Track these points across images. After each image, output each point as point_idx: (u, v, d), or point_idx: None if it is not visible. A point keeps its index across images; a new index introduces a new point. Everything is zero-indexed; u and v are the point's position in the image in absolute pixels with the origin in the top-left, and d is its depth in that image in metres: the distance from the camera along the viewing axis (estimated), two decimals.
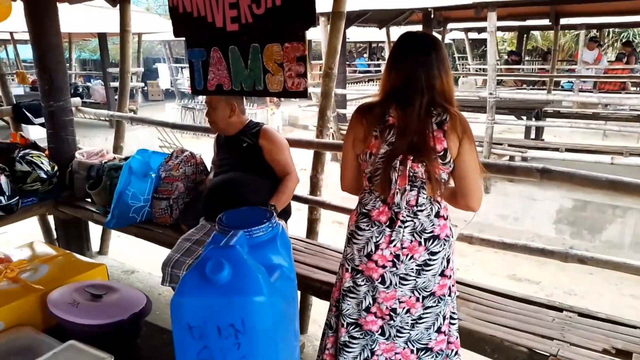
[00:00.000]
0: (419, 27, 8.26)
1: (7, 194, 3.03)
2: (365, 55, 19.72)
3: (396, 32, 8.81)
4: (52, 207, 3.42)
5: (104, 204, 3.10)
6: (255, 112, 10.57)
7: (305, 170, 3.28)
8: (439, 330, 1.56)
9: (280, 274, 0.87)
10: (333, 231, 4.55)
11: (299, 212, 2.89)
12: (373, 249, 1.51)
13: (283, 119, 11.39)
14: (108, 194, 3.04)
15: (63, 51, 3.39)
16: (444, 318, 1.57)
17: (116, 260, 3.83)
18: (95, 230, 3.81)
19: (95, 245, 3.91)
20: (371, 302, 1.54)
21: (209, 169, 2.94)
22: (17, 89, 8.82)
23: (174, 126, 4.16)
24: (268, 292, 0.76)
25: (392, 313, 1.52)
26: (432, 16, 7.50)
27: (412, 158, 1.46)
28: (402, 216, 1.49)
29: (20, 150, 3.27)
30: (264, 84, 2.24)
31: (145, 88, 15.36)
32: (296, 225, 3.01)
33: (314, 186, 2.93)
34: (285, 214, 2.54)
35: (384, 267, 1.51)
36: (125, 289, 1.28)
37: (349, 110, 7.99)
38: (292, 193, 2.51)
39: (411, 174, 1.48)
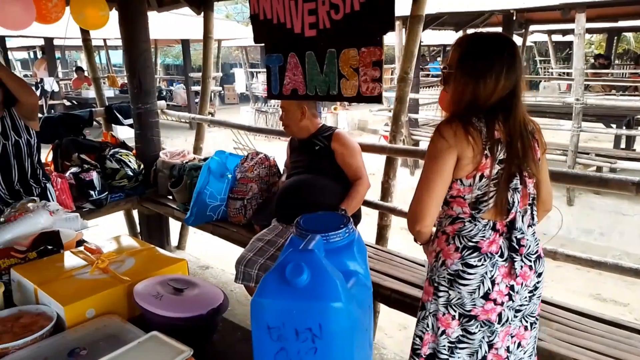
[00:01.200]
0: (498, 30, 7.93)
1: (97, 189, 3.28)
2: (438, 58, 19.27)
3: None
4: (137, 203, 3.66)
5: (184, 201, 3.27)
6: (325, 116, 10.67)
7: (374, 175, 3.26)
8: (533, 354, 1.46)
9: (357, 280, 0.86)
10: (401, 238, 4.47)
11: (367, 217, 2.87)
12: (490, 287, 1.32)
13: (353, 123, 11.39)
14: (188, 192, 3.19)
15: (151, 56, 3.62)
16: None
17: (192, 255, 4.02)
18: (174, 226, 4.03)
19: (174, 240, 4.13)
20: (487, 349, 1.37)
21: (281, 171, 3.01)
22: (107, 92, 9.56)
23: (249, 129, 4.30)
24: (345, 299, 0.76)
25: (507, 353, 1.39)
26: (514, 18, 7.17)
27: (526, 175, 1.32)
28: (525, 241, 1.33)
29: (110, 148, 3.53)
30: (339, 88, 2.26)
31: (222, 92, 16.04)
32: (365, 230, 2.99)
33: (385, 192, 2.90)
34: (355, 218, 2.53)
35: (502, 304, 1.34)
36: (204, 284, 1.33)
37: (421, 115, 7.85)
38: (363, 198, 2.50)
39: (529, 192, 1.35)
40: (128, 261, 1.50)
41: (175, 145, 6.38)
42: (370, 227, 3.06)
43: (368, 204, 2.83)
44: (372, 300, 0.94)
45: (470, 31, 8.71)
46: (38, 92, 9.45)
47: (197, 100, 10.82)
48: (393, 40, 6.59)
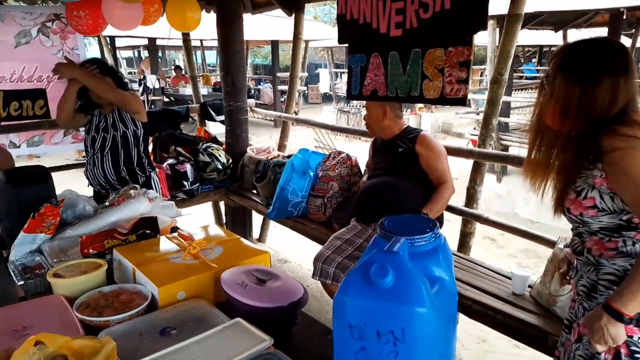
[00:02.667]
0: (603, 30, 7.30)
1: (190, 180, 3.50)
2: (534, 60, 18.15)
3: (575, 35, 7.92)
4: (224, 195, 3.85)
5: (267, 196, 3.38)
6: (407, 117, 10.50)
7: (457, 179, 3.14)
8: None
9: (442, 287, 0.83)
10: (484, 247, 4.28)
11: (448, 223, 2.78)
12: None
13: (436, 126, 11.09)
14: (271, 187, 3.30)
15: (244, 57, 3.79)
16: None
17: (272, 248, 4.15)
18: (257, 219, 4.18)
19: (255, 232, 4.29)
20: None
21: (362, 172, 3.00)
22: (202, 90, 10.18)
23: (333, 128, 4.35)
24: (430, 304, 0.74)
25: None
26: (624, 17, 6.55)
27: None
28: None
29: (203, 143, 3.75)
30: (421, 90, 2.21)
31: (306, 92, 16.38)
32: (445, 236, 2.91)
33: (471, 198, 2.79)
34: (438, 223, 2.46)
35: None
36: (286, 277, 1.37)
37: (513, 120, 7.44)
38: (447, 203, 2.43)
39: None
40: (216, 249, 1.58)
41: (260, 142, 6.63)
42: (451, 234, 2.96)
43: (451, 209, 2.74)
44: (456, 309, 0.91)
45: (571, 32, 8.10)
46: (141, 89, 10.28)
47: (282, 99, 11.17)
48: (483, 40, 6.31)
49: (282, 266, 3.82)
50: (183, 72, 12.38)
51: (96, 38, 9.69)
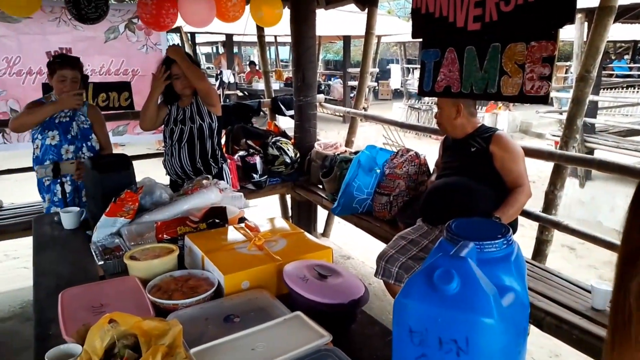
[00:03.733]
0: None
1: (259, 172, 3.59)
2: (626, 56, 16.70)
3: None
4: (290, 188, 3.91)
5: (333, 191, 3.39)
6: (482, 115, 10.07)
7: (534, 183, 2.96)
8: None
9: (512, 297, 0.78)
10: (562, 256, 4.01)
11: (523, 228, 2.62)
12: None
13: (514, 125, 10.54)
14: (337, 183, 3.30)
15: (315, 52, 3.81)
16: None
17: (335, 244, 4.16)
18: (322, 214, 4.21)
19: (320, 227, 4.33)
20: None
21: (431, 171, 2.92)
22: (274, 85, 10.42)
23: (402, 125, 4.27)
24: (498, 315, 0.70)
25: None
26: None
27: None
28: None
29: (273, 137, 3.83)
30: (498, 86, 2.09)
31: (377, 87, 16.22)
32: (519, 243, 2.75)
33: (549, 203, 2.62)
34: (511, 229, 2.34)
35: None
36: (347, 274, 1.36)
37: (600, 121, 6.91)
38: (522, 207, 2.29)
39: None
40: (280, 242, 1.60)
41: (328, 137, 6.66)
42: (526, 240, 2.80)
43: (527, 214, 2.59)
44: (528, 321, 0.85)
45: None
46: (217, 83, 10.71)
47: (352, 94, 11.14)
48: (569, 34, 5.88)
49: (345, 262, 3.82)
50: (257, 68, 12.73)
51: (178, 34, 10.22)
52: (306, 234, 1.69)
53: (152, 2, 3.15)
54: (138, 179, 2.23)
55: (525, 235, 2.80)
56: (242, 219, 2.09)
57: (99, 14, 3.10)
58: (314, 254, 1.53)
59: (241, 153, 3.65)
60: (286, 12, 3.81)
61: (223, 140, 3.92)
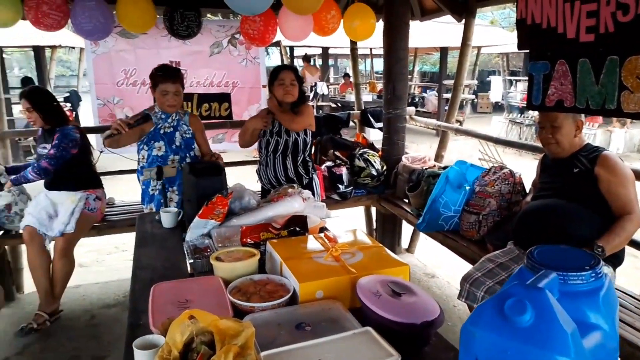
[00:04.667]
0: None
1: (345, 183, 3.62)
2: None
3: None
4: (375, 201, 3.89)
5: (418, 206, 3.31)
6: (594, 132, 9.23)
7: None
8: None
9: (596, 337, 0.71)
10: None
11: (634, 260, 2.35)
12: None
13: (631, 144, 9.52)
14: (423, 198, 3.22)
15: (407, 64, 3.78)
16: None
17: (420, 261, 4.05)
18: (407, 228, 4.13)
19: (404, 242, 4.24)
20: None
21: (527, 191, 2.74)
22: (366, 96, 10.47)
23: (496, 141, 4.05)
24: (576, 355, 0.63)
25: None
26: None
27: None
28: None
29: (360, 148, 3.84)
30: (618, 102, 1.91)
31: (475, 100, 15.58)
32: (626, 275, 2.47)
33: None
34: (616, 259, 2.11)
35: None
36: (422, 294, 1.32)
37: None
38: (629, 237, 2.06)
39: None
40: (357, 255, 1.60)
41: (420, 150, 6.53)
42: (634, 272, 2.51)
43: (637, 244, 2.32)
44: None
45: None
46: (312, 95, 11.00)
47: (447, 107, 10.84)
48: None
49: (428, 281, 3.70)
50: (351, 80, 12.89)
51: (277, 48, 10.69)
52: (385, 249, 1.67)
53: (260, 19, 3.32)
54: (231, 184, 2.37)
55: (635, 269, 2.51)
56: (322, 229, 2.12)
57: (188, 32, 3.34)
58: (390, 269, 1.50)
59: (328, 164, 3.71)
60: (380, 25, 3.82)
61: (312, 151, 4.02)
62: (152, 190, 2.78)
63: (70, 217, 2.90)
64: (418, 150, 5.76)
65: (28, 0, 2.86)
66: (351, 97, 10.62)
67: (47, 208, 2.92)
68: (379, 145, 4.11)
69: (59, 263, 2.86)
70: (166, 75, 2.64)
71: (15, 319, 2.98)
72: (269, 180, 2.94)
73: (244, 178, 2.88)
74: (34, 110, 2.89)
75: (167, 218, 2.27)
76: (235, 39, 4.03)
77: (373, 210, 4.30)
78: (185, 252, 1.82)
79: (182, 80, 2.77)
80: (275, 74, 2.81)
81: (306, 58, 12.30)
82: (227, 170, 4.14)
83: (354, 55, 4.56)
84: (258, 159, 3.06)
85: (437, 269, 3.89)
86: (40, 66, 9.88)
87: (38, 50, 10.04)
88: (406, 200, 3.60)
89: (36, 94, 2.93)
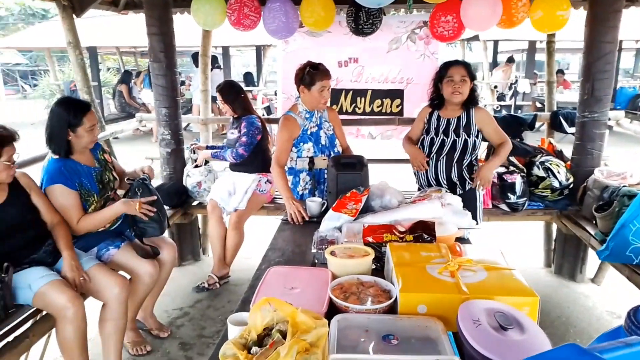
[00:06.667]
0: None
1: (517, 193, 3.24)
2: None
3: None
4: (556, 217, 3.38)
5: (605, 230, 2.76)
6: None
7: None
8: None
9: None
10: None
11: None
12: None
13: None
14: (613, 221, 2.67)
15: (614, 60, 3.15)
16: None
17: (606, 293, 3.37)
18: (593, 256, 3.48)
19: (590, 270, 3.58)
20: None
21: None
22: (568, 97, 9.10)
23: None
24: None
25: None
26: None
27: None
28: None
29: (542, 155, 3.38)
30: None
31: None
32: None
33: None
34: None
35: None
36: (538, 334, 1.08)
37: None
38: None
39: None
40: (479, 274, 1.42)
41: (629, 163, 5.39)
42: None
43: None
44: None
45: None
46: (510, 93, 10.11)
47: None
48: None
49: (611, 321, 3.05)
50: (564, 77, 11.37)
51: (477, 41, 10.10)
52: (517, 273, 1.44)
53: (449, 10, 3.15)
54: (376, 181, 2.35)
55: None
56: (460, 239, 1.95)
57: (372, 29, 3.37)
58: (513, 298, 1.29)
59: (500, 169, 3.35)
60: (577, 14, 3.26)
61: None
62: (302, 190, 2.82)
63: (244, 196, 3.28)
64: (624, 163, 4.76)
65: (231, 4, 3.29)
66: (560, 97, 9.39)
67: (228, 186, 3.36)
68: (568, 153, 3.54)
69: (230, 234, 3.27)
70: (324, 71, 2.67)
71: (195, 276, 3.53)
72: (427, 181, 2.76)
73: (394, 176, 2.79)
74: (224, 102, 3.36)
75: (312, 207, 2.38)
76: (415, 34, 3.94)
77: (554, 227, 3.74)
78: (313, 241, 1.88)
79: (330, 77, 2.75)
80: (444, 70, 2.64)
81: (511, 60, 11.27)
82: (387, 167, 4.10)
83: (549, 49, 4.02)
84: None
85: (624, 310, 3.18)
86: (260, 63, 11.43)
87: (259, 49, 11.62)
88: (593, 222, 3.02)
89: (225, 89, 3.39)
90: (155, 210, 2.37)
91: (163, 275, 2.63)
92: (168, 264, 2.63)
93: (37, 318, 2.06)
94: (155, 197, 2.39)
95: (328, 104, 2.85)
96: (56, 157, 2.29)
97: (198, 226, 3.92)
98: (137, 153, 6.45)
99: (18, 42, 12.53)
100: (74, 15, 3.52)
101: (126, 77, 10.78)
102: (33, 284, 1.96)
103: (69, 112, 2.25)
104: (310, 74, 2.65)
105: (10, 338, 1.90)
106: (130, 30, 9.45)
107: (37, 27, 13.87)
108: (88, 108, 2.31)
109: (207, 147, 3.70)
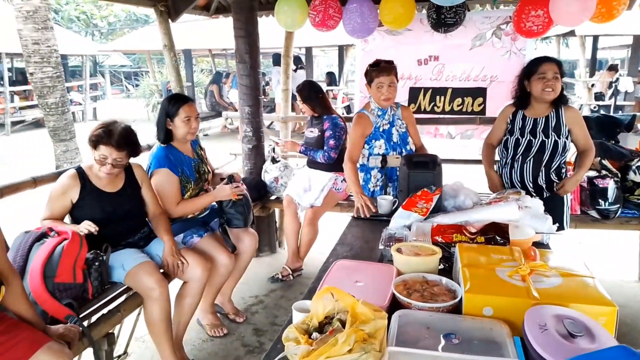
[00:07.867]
0: None
1: (609, 199, 3.00)
2: None
3: None
4: None
5: None
6: None
7: None
8: None
9: None
10: None
11: None
12: None
13: None
14: None
15: None
16: None
17: None
18: None
19: None
20: None
21: None
22: None
23: None
24: None
25: None
26: None
27: None
28: None
29: (639, 160, 3.09)
30: None
31: None
32: None
33: None
34: None
35: None
36: (608, 343, 1.03)
37: None
38: None
39: None
40: (553, 280, 1.36)
41: None
42: None
43: None
44: None
45: None
46: (610, 92, 9.27)
47: None
48: None
49: None
50: None
51: (574, 37, 9.39)
52: (594, 281, 1.35)
53: (538, 4, 2.97)
54: (450, 181, 2.30)
55: None
56: (537, 244, 1.86)
57: (455, 20, 3.23)
58: (588, 306, 1.22)
59: (591, 173, 3.11)
60: None
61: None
62: (373, 187, 2.83)
63: (320, 193, 3.36)
64: None
65: (315, 5, 3.37)
66: None
67: (304, 182, 3.46)
68: None
69: (305, 230, 3.36)
70: (382, 68, 2.65)
71: (271, 267, 3.67)
72: (511, 184, 2.64)
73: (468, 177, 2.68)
74: (303, 102, 3.46)
75: (383, 204, 2.39)
76: (501, 30, 3.78)
77: None
78: (381, 238, 1.89)
79: (396, 72, 2.73)
80: (534, 66, 2.51)
81: (613, 68, 10.17)
82: (466, 167, 3.96)
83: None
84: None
85: None
86: (342, 62, 11.56)
87: (341, 49, 11.75)
88: None
89: (304, 89, 3.49)
90: (245, 193, 2.63)
91: (242, 264, 2.79)
92: (248, 252, 2.79)
93: (129, 294, 2.27)
94: (245, 189, 2.64)
95: (400, 102, 2.83)
96: (164, 145, 2.55)
97: (275, 220, 4.07)
98: (224, 150, 6.82)
99: (123, 45, 13.77)
100: (170, 20, 3.81)
101: (217, 78, 11.42)
102: (126, 263, 2.17)
103: (169, 104, 2.53)
104: (369, 72, 2.69)
105: (104, 311, 2.12)
106: (221, 33, 9.99)
107: (139, 31, 15.12)
108: (185, 101, 2.57)
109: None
